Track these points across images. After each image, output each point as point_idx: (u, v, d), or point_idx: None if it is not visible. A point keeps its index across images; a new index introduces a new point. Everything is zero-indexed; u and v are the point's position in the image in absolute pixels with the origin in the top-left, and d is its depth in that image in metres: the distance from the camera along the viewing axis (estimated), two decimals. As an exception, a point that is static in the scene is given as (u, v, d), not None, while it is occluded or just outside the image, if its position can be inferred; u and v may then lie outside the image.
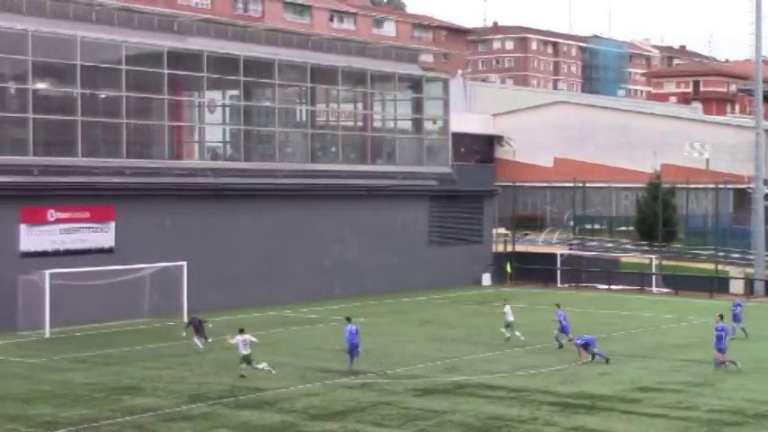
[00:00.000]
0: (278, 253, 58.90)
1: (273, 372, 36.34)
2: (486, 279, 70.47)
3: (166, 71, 54.62)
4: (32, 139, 49.46)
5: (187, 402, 32.30)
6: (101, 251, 50.85)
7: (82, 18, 53.32)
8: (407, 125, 70.48)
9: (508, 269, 71.01)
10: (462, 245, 69.98)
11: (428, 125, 71.00)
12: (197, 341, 42.13)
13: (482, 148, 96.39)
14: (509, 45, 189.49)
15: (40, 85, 51.74)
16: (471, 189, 71.03)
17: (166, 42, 55.25)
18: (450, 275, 67.81)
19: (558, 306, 44.78)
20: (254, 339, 36.88)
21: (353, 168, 64.16)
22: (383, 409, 31.81)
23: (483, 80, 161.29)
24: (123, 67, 52.76)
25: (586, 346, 40.08)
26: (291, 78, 62.92)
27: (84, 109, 51.33)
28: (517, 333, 44.98)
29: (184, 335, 43.12)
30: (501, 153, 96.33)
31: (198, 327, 42.61)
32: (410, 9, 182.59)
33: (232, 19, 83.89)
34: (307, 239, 60.49)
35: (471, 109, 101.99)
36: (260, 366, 36.01)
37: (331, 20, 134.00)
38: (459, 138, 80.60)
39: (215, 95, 62.27)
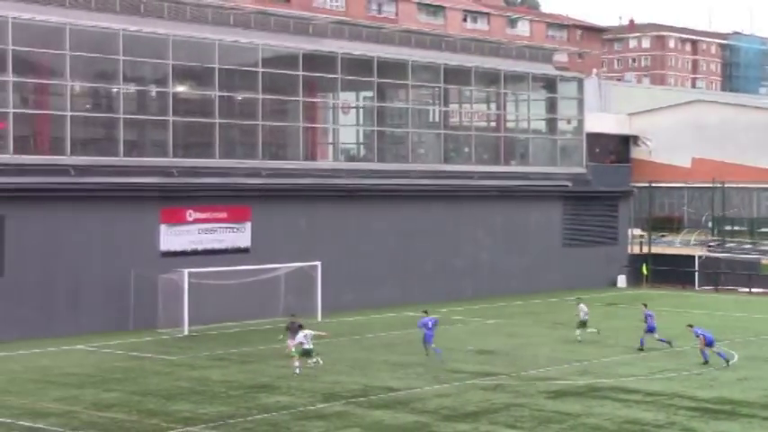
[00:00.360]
0: (410, 253, 59.09)
1: (321, 362, 37.47)
2: (622, 281, 69.53)
3: (301, 73, 55.27)
4: (172, 141, 50.59)
5: (321, 401, 32.65)
6: (237, 251, 51.76)
7: (220, 22, 54.36)
8: (541, 125, 69.94)
9: (644, 271, 69.89)
10: (597, 246, 69.17)
11: (562, 125, 70.33)
12: (290, 342, 39.74)
13: (617, 148, 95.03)
14: (645, 43, 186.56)
15: (180, 88, 52.87)
16: (606, 190, 70.13)
17: (302, 45, 55.94)
18: (584, 277, 67.09)
19: (645, 305, 44.75)
20: (318, 333, 38.02)
21: (486, 169, 63.95)
22: (516, 410, 31.65)
23: (618, 79, 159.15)
24: (260, 69, 53.56)
25: (709, 344, 39.44)
26: (425, 79, 63.05)
27: (222, 111, 52.30)
28: (590, 330, 45.25)
29: (281, 338, 40.99)
30: (637, 153, 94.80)
31: (294, 330, 39.47)
32: (544, 8, 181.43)
33: (366, 20, 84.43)
34: (439, 240, 60.55)
35: (606, 108, 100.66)
36: (312, 361, 37.03)
37: (465, 20, 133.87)
38: (594, 138, 79.58)
39: (349, 97, 62.79)
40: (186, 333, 45.53)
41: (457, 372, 37.93)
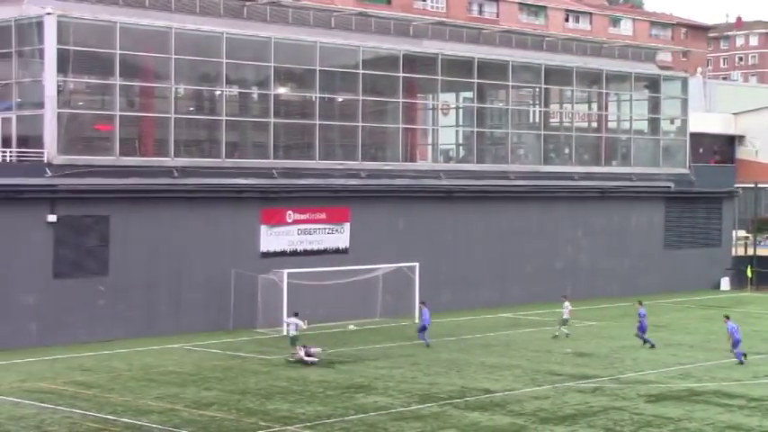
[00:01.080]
0: (509, 255, 58.89)
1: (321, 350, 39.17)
2: (725, 283, 68.37)
3: (402, 74, 55.43)
4: (273, 143, 51.15)
5: (417, 402, 32.73)
6: (336, 251, 52.13)
7: (321, 24, 54.84)
8: (643, 125, 69.05)
9: (749, 273, 68.60)
10: (700, 248, 68.13)
11: (665, 125, 69.37)
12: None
13: (722, 148, 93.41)
14: (753, 41, 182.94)
15: (281, 90, 53.43)
16: (710, 190, 69.00)
17: (402, 46, 56.10)
18: (686, 279, 66.18)
19: (640, 303, 45.32)
20: (302, 325, 39.94)
21: (587, 170, 63.41)
22: (615, 414, 31.38)
23: (724, 78, 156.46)
24: (360, 71, 53.85)
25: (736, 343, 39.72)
26: (525, 79, 62.76)
27: (322, 113, 52.69)
28: (564, 330, 45.69)
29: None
30: (742, 153, 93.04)
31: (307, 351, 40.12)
32: (648, 7, 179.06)
33: (467, 21, 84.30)
34: (538, 241, 60.24)
35: (711, 108, 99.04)
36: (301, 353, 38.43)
37: (566, 20, 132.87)
38: (698, 138, 78.37)
39: (449, 98, 62.77)
40: (285, 333, 45.96)
41: (554, 374, 37.73)
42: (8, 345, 42.14)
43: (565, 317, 47.31)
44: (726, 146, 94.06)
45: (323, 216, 52.01)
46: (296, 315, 41.80)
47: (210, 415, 30.93)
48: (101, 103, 48.51)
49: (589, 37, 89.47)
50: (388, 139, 56.66)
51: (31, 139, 45.36)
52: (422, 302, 46.20)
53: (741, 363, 39.59)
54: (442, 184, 56.57)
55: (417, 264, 51.18)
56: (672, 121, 70.18)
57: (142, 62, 48.53)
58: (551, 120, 66.04)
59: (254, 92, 53.56)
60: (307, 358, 39.07)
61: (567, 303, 47.81)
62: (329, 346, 42.08)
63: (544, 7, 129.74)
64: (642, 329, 44.58)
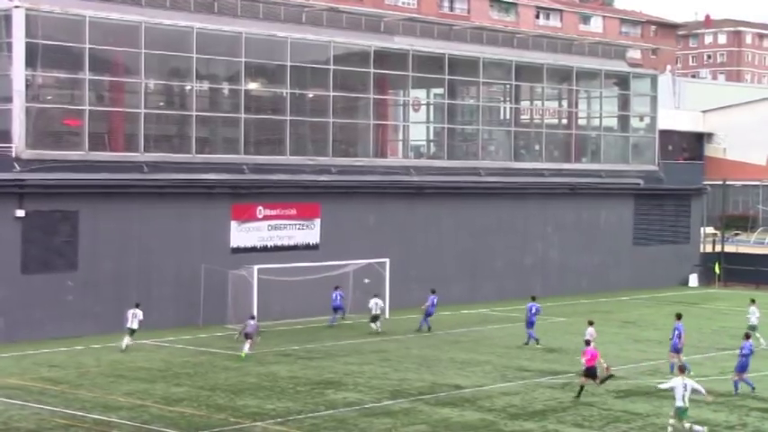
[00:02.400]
0: (479, 251, 59.01)
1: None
2: (694, 280, 68.79)
3: (372, 70, 55.42)
4: (243, 138, 51.02)
5: (388, 398, 32.77)
6: (306, 247, 52.04)
7: (292, 19, 54.70)
8: (613, 122, 69.40)
9: (717, 270, 69.08)
10: (668, 244, 68.52)
11: (634, 122, 69.70)
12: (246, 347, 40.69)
13: (690, 145, 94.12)
14: (722, 39, 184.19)
15: (252, 86, 53.29)
16: (678, 187, 69.41)
17: (373, 42, 56.07)
18: (655, 276, 66.54)
19: (533, 298, 45.47)
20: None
21: (557, 166, 63.65)
22: (584, 409, 31.53)
23: (693, 76, 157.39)
24: (331, 66, 53.79)
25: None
26: (496, 76, 62.88)
27: (293, 108, 52.59)
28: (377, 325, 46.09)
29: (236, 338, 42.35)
30: (710, 151, 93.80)
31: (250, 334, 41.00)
32: (618, 4, 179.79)
33: (438, 17, 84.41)
34: (508, 238, 60.39)
35: (680, 105, 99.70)
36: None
37: (537, 17, 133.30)
38: (667, 135, 78.89)
39: (419, 94, 62.81)
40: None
41: (524, 370, 37.87)
42: (-24, 340, 41.85)
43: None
44: (694, 143, 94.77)
45: (293, 212, 51.94)
46: (253, 318, 42.07)
47: (180, 411, 30.84)
48: (70, 98, 48.22)
49: (559, 34, 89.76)
50: (358, 134, 56.66)
51: (-2, 134, 45.04)
52: (432, 290, 47.55)
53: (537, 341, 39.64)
54: (413, 180, 56.62)
55: (388, 260, 51.20)
56: (641, 119, 70.56)
57: (112, 56, 48.29)
58: (522, 116, 66.20)
59: (225, 87, 53.40)
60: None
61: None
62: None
63: (515, 4, 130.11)
64: (530, 325, 44.27)
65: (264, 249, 50.57)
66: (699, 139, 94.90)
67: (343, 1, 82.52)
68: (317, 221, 52.68)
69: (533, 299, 45.50)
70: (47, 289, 44.25)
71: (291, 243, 51.66)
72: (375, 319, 46.39)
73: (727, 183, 78.51)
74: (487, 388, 34.60)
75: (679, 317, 38.07)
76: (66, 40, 45.79)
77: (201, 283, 47.29)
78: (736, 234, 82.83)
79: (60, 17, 45.51)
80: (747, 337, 35.96)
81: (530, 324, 44.22)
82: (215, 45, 50.33)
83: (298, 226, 52.00)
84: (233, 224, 49.87)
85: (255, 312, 44.08)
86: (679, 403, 28.02)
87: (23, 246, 43.78)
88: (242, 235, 50.09)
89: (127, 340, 41.22)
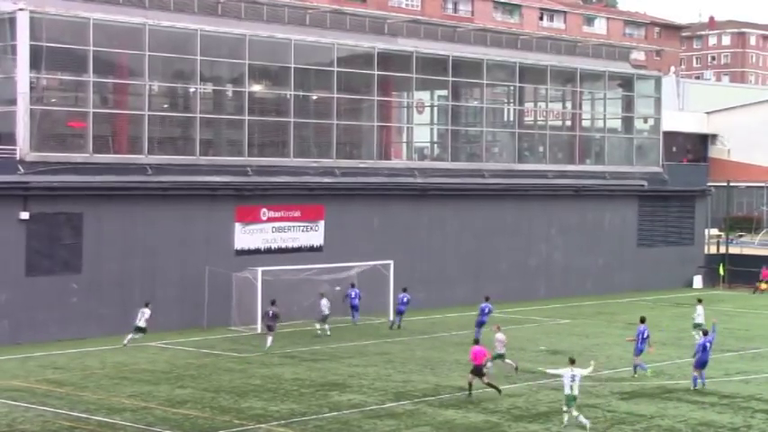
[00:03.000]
0: (484, 253, 59.00)
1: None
2: (698, 281, 68.74)
3: (376, 72, 55.42)
4: (247, 140, 51.05)
5: (391, 400, 32.75)
6: (310, 249, 52.08)
7: (296, 21, 54.68)
8: (617, 124, 69.32)
9: (721, 271, 69.03)
10: (673, 246, 68.46)
11: (638, 124, 69.67)
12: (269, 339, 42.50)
13: (695, 146, 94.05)
14: (726, 40, 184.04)
15: (256, 88, 53.32)
16: (683, 189, 69.34)
17: (377, 44, 56.07)
18: (659, 277, 66.50)
19: (486, 299, 45.29)
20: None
21: (561, 168, 63.62)
22: (588, 411, 31.43)
23: (697, 77, 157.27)
24: (335, 68, 53.79)
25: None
26: (500, 78, 62.87)
27: (297, 110, 52.62)
28: (326, 326, 45.78)
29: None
30: (715, 152, 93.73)
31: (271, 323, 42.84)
32: (622, 6, 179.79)
33: (442, 19, 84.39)
34: (513, 239, 60.39)
35: (684, 107, 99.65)
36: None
37: (541, 18, 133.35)
38: (671, 136, 78.86)
39: (423, 96, 62.81)
40: (259, 331, 45.90)
41: (528, 372, 37.81)
42: (-20, 343, 41.91)
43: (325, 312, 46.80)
44: (698, 144, 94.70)
45: (297, 214, 51.96)
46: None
47: (184, 413, 30.85)
48: (74, 100, 48.30)
49: (563, 36, 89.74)
50: (362, 136, 56.66)
51: (3, 136, 45.04)
52: (403, 289, 47.90)
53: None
54: (417, 182, 56.62)
55: (392, 262, 51.20)
56: (645, 120, 70.51)
57: (116, 59, 48.32)
58: (526, 118, 66.18)
59: (229, 89, 53.41)
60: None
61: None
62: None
63: (519, 6, 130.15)
64: (480, 324, 44.00)
65: (268, 251, 50.61)
66: (703, 140, 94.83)
67: (347, 3, 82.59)
68: (321, 223, 52.70)
69: (487, 299, 45.42)
70: (51, 291, 44.29)
71: (295, 245, 51.69)
72: (325, 319, 45.87)
73: (732, 184, 78.49)
74: (492, 390, 34.54)
75: (643, 320, 37.81)
76: (71, 42, 45.85)
77: (206, 285, 47.31)
78: (741, 235, 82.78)
79: (64, 20, 45.56)
80: (705, 333, 36.16)
81: (479, 324, 43.84)
82: (219, 47, 50.37)
83: (302, 228, 52.02)
84: (237, 226, 49.90)
85: (259, 310, 44.05)
86: (567, 391, 29.54)
87: (28, 248, 43.84)
88: (246, 237, 50.12)
89: (130, 336, 41.80)
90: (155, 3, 49.90)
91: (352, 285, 50.00)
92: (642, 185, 66.99)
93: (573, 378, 29.56)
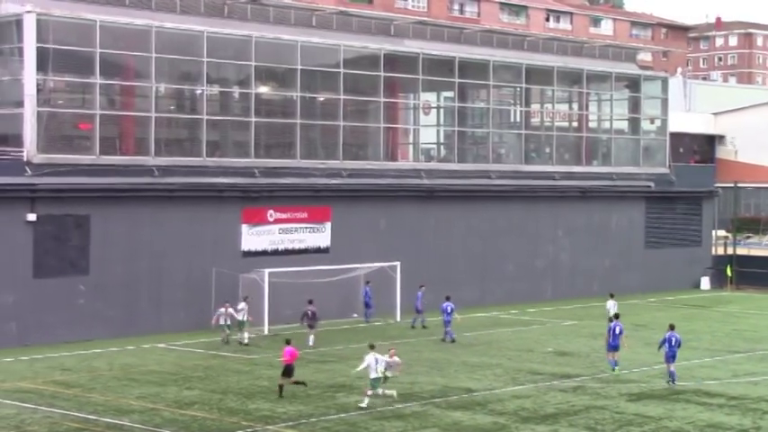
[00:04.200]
0: (490, 254, 58.96)
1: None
2: (705, 283, 68.61)
3: (383, 74, 55.41)
4: (254, 142, 51.06)
5: (399, 401, 32.67)
6: (317, 251, 52.08)
7: (302, 23, 54.77)
8: (623, 125, 69.24)
9: (728, 273, 68.90)
10: (680, 247, 68.33)
11: (645, 125, 69.57)
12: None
13: (702, 147, 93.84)
14: (732, 41, 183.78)
15: (262, 89, 53.33)
16: (690, 190, 69.23)
17: (383, 45, 56.07)
18: (666, 279, 66.39)
19: (447, 298, 46.10)
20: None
21: (568, 169, 63.54)
22: (596, 413, 31.46)
23: (704, 78, 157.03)
24: (341, 70, 53.79)
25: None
26: (506, 79, 62.83)
27: (303, 112, 52.63)
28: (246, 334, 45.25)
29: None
30: (722, 153, 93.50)
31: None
32: (628, 7, 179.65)
33: (448, 21, 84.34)
34: (519, 241, 60.33)
35: (691, 108, 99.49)
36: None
37: (547, 20, 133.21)
38: (678, 138, 78.68)
39: (430, 97, 62.79)
40: (266, 333, 45.91)
41: (536, 373, 37.79)
42: (-12, 344, 41.94)
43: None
44: (706, 146, 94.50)
45: (304, 215, 51.97)
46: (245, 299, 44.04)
47: (192, 414, 30.86)
48: (81, 102, 48.33)
49: (570, 37, 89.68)
50: (369, 138, 56.65)
51: (10, 138, 45.14)
52: (447, 297, 46.71)
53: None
54: (424, 184, 56.59)
55: (399, 263, 51.18)
56: (652, 121, 70.41)
57: (122, 61, 48.36)
58: (532, 119, 66.13)
59: (235, 91, 53.44)
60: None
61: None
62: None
63: (525, 7, 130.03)
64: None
65: (275, 253, 50.62)
66: (710, 141, 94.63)
67: (353, 4, 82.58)
68: (328, 225, 52.69)
69: (448, 298, 46.06)
70: (59, 293, 44.33)
71: (302, 246, 51.69)
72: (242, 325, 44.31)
73: (739, 185, 78.25)
74: (499, 391, 34.54)
75: (617, 317, 38.99)
76: (77, 44, 45.90)
77: (212, 287, 47.31)
78: (748, 237, 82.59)
79: (71, 22, 45.62)
80: (672, 327, 36.80)
81: (447, 323, 45.07)
82: (225, 49, 50.41)
83: (308, 229, 52.02)
84: (244, 228, 49.91)
85: (266, 311, 44.03)
86: (372, 375, 31.82)
87: (35, 250, 43.89)
88: (253, 238, 50.13)
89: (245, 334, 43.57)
90: (161, 5, 49.98)
91: (367, 283, 50.04)
92: (649, 186, 66.90)
93: (377, 362, 31.86)
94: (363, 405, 31.55)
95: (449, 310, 45.69)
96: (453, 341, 44.96)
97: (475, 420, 30.43)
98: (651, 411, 31.72)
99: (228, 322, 43.62)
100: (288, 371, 33.59)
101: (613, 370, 37.72)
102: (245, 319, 43.81)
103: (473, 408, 32.06)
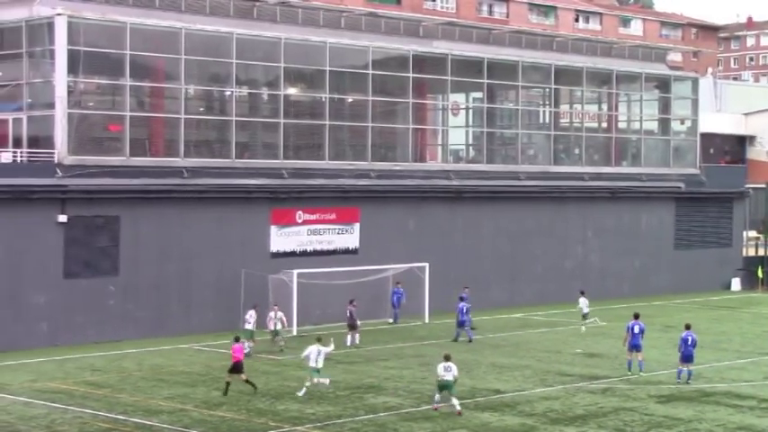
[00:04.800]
0: (519, 255, 58.86)
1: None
2: (736, 284, 68.24)
3: (411, 75, 55.42)
4: (283, 143, 51.17)
5: (427, 402, 32.66)
6: (346, 252, 52.14)
7: (330, 24, 54.86)
8: (653, 126, 68.97)
9: (760, 274, 68.46)
10: (710, 248, 67.99)
11: (675, 125, 69.29)
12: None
13: (732, 148, 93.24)
14: (764, 41, 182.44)
15: (291, 91, 53.45)
16: (720, 191, 68.86)
17: (411, 46, 56.09)
18: (697, 280, 66.06)
19: (397, 283, 47.63)
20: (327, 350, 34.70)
21: (597, 170, 63.33)
22: (625, 414, 31.35)
23: (735, 78, 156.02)
24: (370, 71, 53.83)
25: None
26: (535, 80, 62.70)
27: (332, 113, 52.69)
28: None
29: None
30: (753, 154, 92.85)
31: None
32: (658, 7, 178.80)
33: (476, 21, 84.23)
34: (548, 242, 60.18)
35: (722, 108, 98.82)
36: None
37: (576, 20, 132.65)
38: (708, 138, 78.23)
39: (458, 98, 62.73)
40: (295, 333, 46.00)
41: (564, 375, 37.69)
42: (19, 345, 42.24)
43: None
44: (736, 146, 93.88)
45: (333, 216, 52.04)
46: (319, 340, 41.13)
47: (220, 415, 30.96)
48: (111, 104, 48.60)
49: (599, 37, 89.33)
50: (397, 139, 56.67)
51: (41, 140, 45.46)
52: (461, 297, 47.08)
53: (629, 371, 37.77)
54: (452, 185, 56.55)
55: (427, 264, 51.16)
56: (682, 122, 70.08)
57: (152, 62, 48.59)
58: (561, 120, 65.98)
59: (264, 92, 53.57)
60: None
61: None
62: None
63: (554, 7, 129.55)
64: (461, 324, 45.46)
65: (304, 254, 50.72)
66: (741, 141, 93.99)
67: (382, 6, 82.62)
68: (357, 226, 52.74)
69: (462, 299, 46.34)
70: (89, 294, 44.59)
71: (331, 248, 51.75)
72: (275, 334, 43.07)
73: (770, 186, 77.64)
74: (527, 392, 34.47)
75: (636, 316, 38.78)
76: (108, 46, 46.16)
77: (242, 288, 47.45)
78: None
79: (101, 24, 45.89)
80: (688, 327, 36.84)
81: (460, 323, 45.22)
82: (254, 50, 50.56)
83: (337, 230, 52.08)
84: (272, 229, 50.04)
85: (295, 312, 44.05)
86: (312, 364, 33.56)
87: (66, 251, 44.16)
88: (281, 239, 50.24)
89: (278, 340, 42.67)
90: (190, 6, 50.20)
91: (397, 284, 50.09)
92: (679, 187, 66.58)
93: (319, 353, 33.63)
94: (300, 394, 33.21)
95: (464, 311, 45.65)
96: (470, 341, 45.02)
97: (503, 422, 30.38)
98: (681, 413, 31.57)
99: (279, 327, 42.77)
100: (236, 368, 33.78)
101: (629, 371, 37.46)
102: (277, 327, 42.77)
103: (502, 409, 32.01)
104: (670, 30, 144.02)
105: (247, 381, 33.96)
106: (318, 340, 34.14)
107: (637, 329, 37.37)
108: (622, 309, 56.93)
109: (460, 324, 45.63)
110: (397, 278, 50.91)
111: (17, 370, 38.11)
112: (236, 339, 34.87)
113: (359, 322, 44.51)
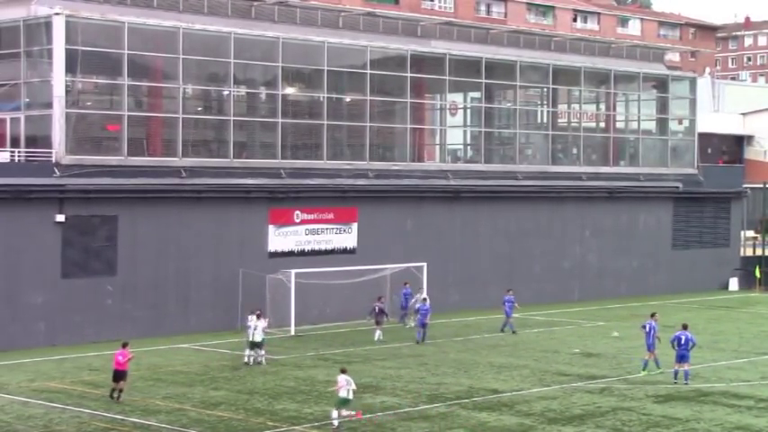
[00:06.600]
0: (517, 255, 58.87)
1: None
2: (734, 284, 68.25)
3: (409, 74, 55.43)
4: (281, 143, 51.16)
5: (425, 402, 32.74)
6: (344, 251, 52.15)
7: (329, 24, 54.86)
8: (651, 126, 69.00)
9: (757, 274, 68.50)
10: (708, 248, 68.02)
11: (673, 125, 69.31)
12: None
13: (730, 148, 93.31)
14: (762, 41, 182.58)
15: (289, 90, 53.44)
16: (718, 191, 68.89)
17: (410, 46, 56.10)
18: (694, 279, 66.10)
19: (405, 283, 47.49)
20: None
21: (595, 170, 63.34)
22: (623, 414, 31.37)
23: (733, 78, 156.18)
24: (368, 71, 53.84)
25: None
26: (533, 79, 62.70)
27: (330, 113, 52.70)
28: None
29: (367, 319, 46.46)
30: (750, 153, 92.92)
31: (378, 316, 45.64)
32: (656, 7, 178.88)
33: (474, 21, 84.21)
34: (546, 242, 60.20)
35: (719, 108, 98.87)
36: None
37: (574, 20, 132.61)
38: (706, 138, 78.29)
39: (456, 98, 62.75)
40: (293, 333, 46.01)
41: (562, 374, 37.71)
42: (17, 344, 42.25)
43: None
44: (734, 146, 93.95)
45: (331, 216, 52.04)
46: (258, 316, 39.84)
47: (218, 415, 30.97)
48: (109, 103, 48.59)
49: (597, 37, 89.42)
50: (395, 139, 56.68)
51: (39, 139, 45.45)
52: (424, 298, 47.04)
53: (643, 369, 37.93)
54: (450, 185, 56.56)
55: (425, 264, 51.16)
56: (680, 122, 70.10)
57: (150, 62, 48.59)
58: (559, 120, 65.99)
59: (262, 92, 53.56)
60: None
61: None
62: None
63: (552, 7, 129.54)
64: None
65: (302, 254, 50.73)
66: (738, 141, 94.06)
67: (380, 5, 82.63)
68: (355, 225, 52.74)
69: (425, 300, 46.55)
70: (86, 293, 44.59)
71: (329, 247, 51.76)
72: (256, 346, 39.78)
73: (768, 186, 77.71)
74: (525, 392, 34.49)
75: (652, 315, 38.88)
76: (106, 46, 46.16)
77: (239, 288, 47.45)
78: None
79: (99, 24, 45.88)
80: (684, 327, 36.81)
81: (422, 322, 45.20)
82: (252, 50, 50.56)
83: (335, 230, 52.09)
84: (270, 228, 50.03)
85: (293, 311, 44.02)
86: (250, 338, 38.20)
87: (63, 250, 44.15)
88: (279, 239, 50.24)
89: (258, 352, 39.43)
90: (189, 6, 50.19)
91: (405, 284, 50.18)
92: (677, 187, 66.61)
93: (255, 328, 37.77)
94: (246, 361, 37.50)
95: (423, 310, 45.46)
96: (418, 343, 44.49)
97: (501, 421, 30.40)
98: (679, 413, 31.59)
99: (261, 338, 39.18)
100: (118, 376, 32.69)
101: (643, 369, 37.58)
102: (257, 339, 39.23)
103: (499, 409, 32.02)
104: (668, 30, 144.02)
105: (121, 390, 32.55)
106: (343, 372, 30.42)
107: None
108: (620, 308, 57.05)
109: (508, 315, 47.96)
110: (404, 279, 50.74)
111: (15, 370, 38.11)
112: (124, 345, 33.57)
113: (385, 318, 45.90)
